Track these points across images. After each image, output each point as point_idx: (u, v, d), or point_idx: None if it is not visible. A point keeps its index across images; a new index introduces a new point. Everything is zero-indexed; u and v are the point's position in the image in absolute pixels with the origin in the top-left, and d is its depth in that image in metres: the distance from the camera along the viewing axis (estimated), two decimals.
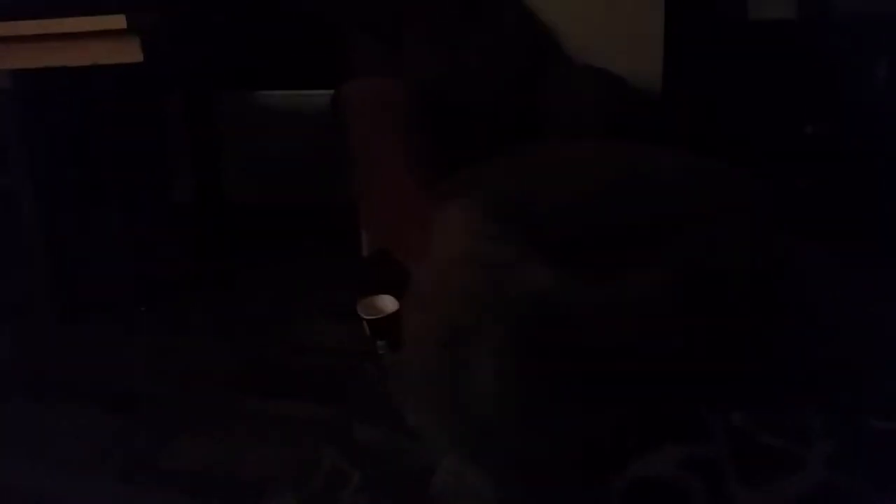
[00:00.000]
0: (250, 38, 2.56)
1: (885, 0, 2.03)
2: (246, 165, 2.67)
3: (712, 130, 2.11)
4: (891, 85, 1.99)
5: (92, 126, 2.56)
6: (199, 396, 1.81)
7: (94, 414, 1.76)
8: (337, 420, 1.65)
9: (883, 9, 2.04)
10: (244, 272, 2.47)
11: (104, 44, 1.96)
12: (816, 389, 1.60)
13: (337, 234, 2.37)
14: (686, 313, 1.43)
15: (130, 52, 1.95)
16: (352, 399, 1.73)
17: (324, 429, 1.62)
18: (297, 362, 1.92)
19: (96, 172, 2.63)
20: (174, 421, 1.71)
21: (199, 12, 2.42)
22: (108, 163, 2.66)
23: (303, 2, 2.53)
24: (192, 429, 1.68)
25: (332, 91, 2.10)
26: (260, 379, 1.86)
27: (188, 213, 2.62)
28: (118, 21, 1.90)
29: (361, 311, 1.84)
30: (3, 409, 1.81)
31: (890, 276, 1.90)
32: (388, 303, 1.86)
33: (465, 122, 1.98)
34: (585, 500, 1.29)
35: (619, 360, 1.31)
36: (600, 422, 1.33)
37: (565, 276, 1.34)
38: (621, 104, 2.05)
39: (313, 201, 2.53)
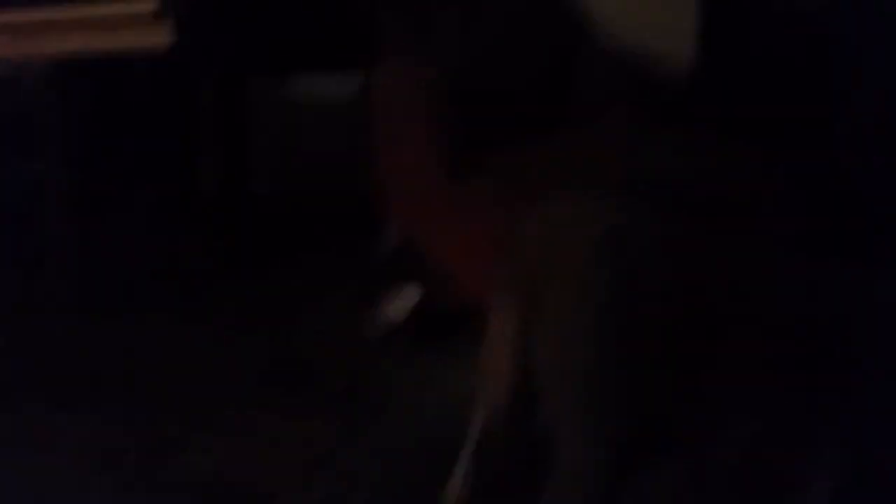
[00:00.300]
0: (279, 22, 2.54)
1: None
2: (274, 154, 2.67)
3: (750, 114, 2.06)
4: None
5: (122, 113, 2.57)
6: (214, 393, 1.79)
7: (108, 411, 1.74)
8: (353, 419, 1.64)
9: None
10: (270, 264, 2.47)
11: (134, 29, 1.97)
12: None
13: (362, 224, 2.36)
14: None
15: (160, 37, 1.96)
16: (368, 396, 1.72)
17: (339, 428, 1.61)
18: (318, 355, 1.92)
19: (123, 161, 2.64)
20: (189, 419, 1.70)
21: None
22: (134, 152, 2.66)
23: None
24: (205, 427, 1.66)
25: (362, 74, 2.10)
26: (279, 375, 1.85)
27: (214, 203, 2.63)
28: (147, 5, 1.91)
29: (386, 303, 1.84)
30: (17, 409, 1.78)
31: None
32: (412, 294, 1.85)
33: (500, 107, 1.95)
34: None
35: None
36: None
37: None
38: (655, 86, 2.03)
39: (339, 192, 2.52)
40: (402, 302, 1.88)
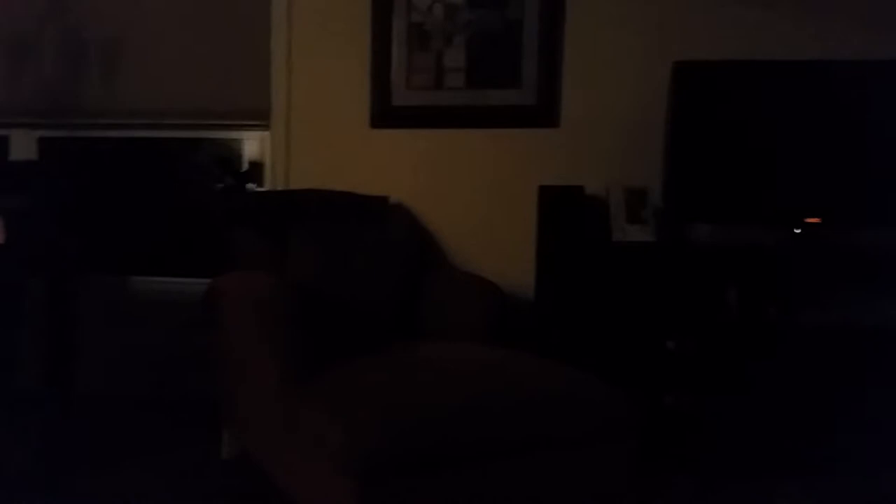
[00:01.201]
0: (125, 224, 2.52)
1: (733, 234, 2.29)
2: (106, 354, 2.50)
3: (581, 342, 2.19)
4: (740, 306, 2.18)
5: None
6: None
7: None
8: None
9: (731, 241, 2.29)
10: (90, 472, 2.20)
11: None
12: None
13: (197, 433, 2.19)
14: None
15: None
16: None
17: None
18: None
19: None
20: None
21: (69, 196, 2.37)
22: None
23: (185, 193, 2.55)
24: None
25: (207, 281, 2.07)
26: None
27: (37, 402, 2.38)
28: None
29: None
30: None
31: None
32: None
33: (343, 323, 1.96)
34: None
35: None
36: None
37: None
38: (496, 311, 2.12)
39: (174, 396, 2.37)
40: None
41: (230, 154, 2.70)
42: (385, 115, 2.61)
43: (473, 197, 2.57)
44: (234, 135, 2.74)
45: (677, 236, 2.28)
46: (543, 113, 2.54)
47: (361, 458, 1.44)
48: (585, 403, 1.68)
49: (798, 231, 2.24)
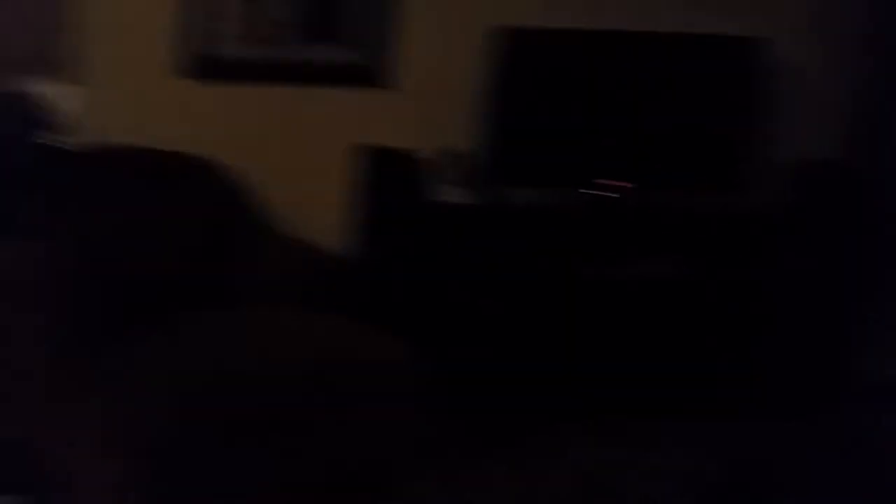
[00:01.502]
0: None
1: (549, 196, 2.32)
2: None
3: (399, 303, 2.17)
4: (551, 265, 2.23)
5: None
6: None
7: None
8: None
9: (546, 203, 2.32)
10: None
11: None
12: None
13: None
14: None
15: None
16: None
17: None
18: None
19: None
20: None
21: None
22: None
23: None
24: None
25: None
26: None
27: None
28: None
29: None
30: None
31: None
32: None
33: (132, 292, 1.83)
34: None
35: None
36: None
37: None
38: (312, 274, 2.06)
39: None
40: None
41: (22, 106, 2.44)
42: (201, 67, 2.44)
43: (294, 157, 2.45)
44: (32, 86, 2.47)
45: (497, 199, 2.29)
46: (371, 72, 2.46)
47: (133, 438, 1.36)
48: (378, 367, 1.68)
49: (606, 194, 2.28)
